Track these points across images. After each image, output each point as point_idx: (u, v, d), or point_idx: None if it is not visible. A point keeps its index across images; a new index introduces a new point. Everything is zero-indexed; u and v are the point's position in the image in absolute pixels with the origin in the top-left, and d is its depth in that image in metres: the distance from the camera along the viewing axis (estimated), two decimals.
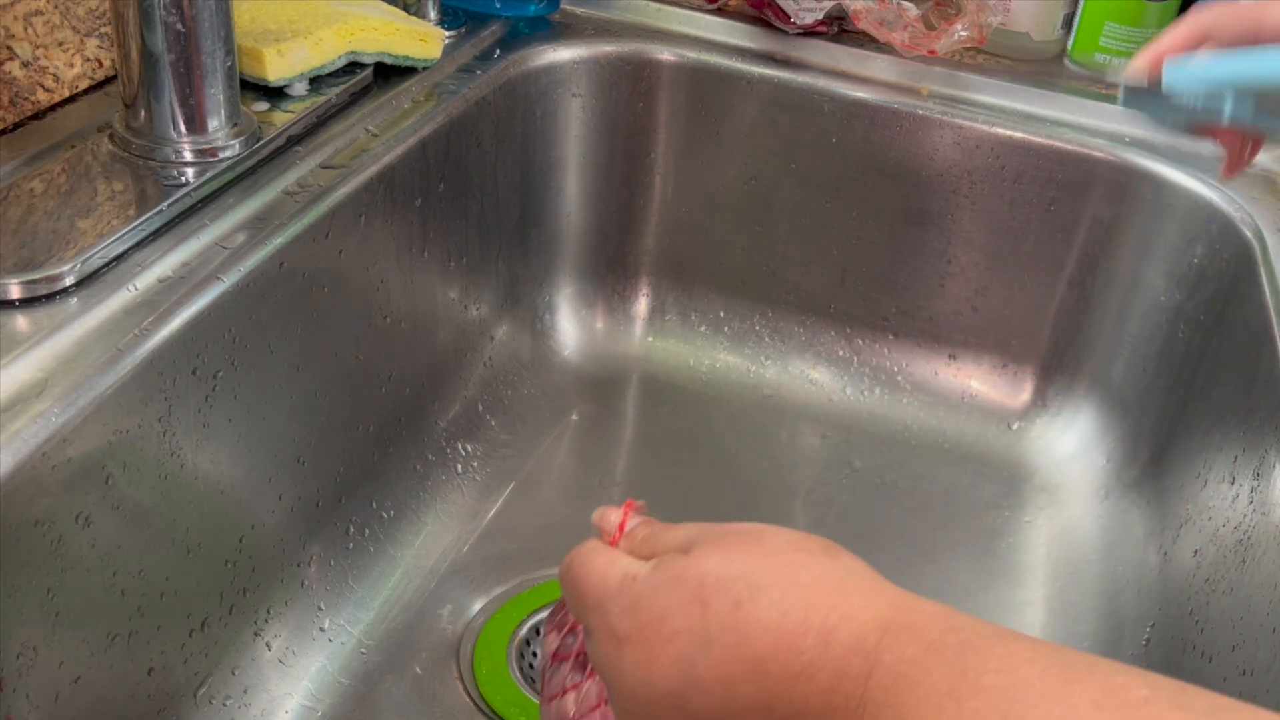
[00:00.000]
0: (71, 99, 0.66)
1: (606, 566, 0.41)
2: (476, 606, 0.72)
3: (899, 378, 0.91)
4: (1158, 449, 0.81)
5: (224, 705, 0.61)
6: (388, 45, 0.74)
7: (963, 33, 0.83)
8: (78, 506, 0.50)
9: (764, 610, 0.36)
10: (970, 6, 0.84)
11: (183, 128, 0.61)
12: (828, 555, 0.38)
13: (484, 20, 0.86)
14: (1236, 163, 0.58)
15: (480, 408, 0.83)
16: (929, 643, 0.34)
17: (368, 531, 0.72)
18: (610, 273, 0.94)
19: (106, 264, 0.55)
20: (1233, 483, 0.67)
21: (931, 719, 0.32)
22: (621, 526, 0.44)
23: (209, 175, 0.61)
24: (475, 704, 0.66)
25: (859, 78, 0.86)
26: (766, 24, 0.89)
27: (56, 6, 0.64)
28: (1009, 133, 0.82)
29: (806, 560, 0.37)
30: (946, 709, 0.32)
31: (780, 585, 0.36)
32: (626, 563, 0.41)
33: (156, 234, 0.58)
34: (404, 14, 0.77)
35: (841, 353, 0.92)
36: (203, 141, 0.61)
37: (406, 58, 0.75)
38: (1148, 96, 0.54)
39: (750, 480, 0.84)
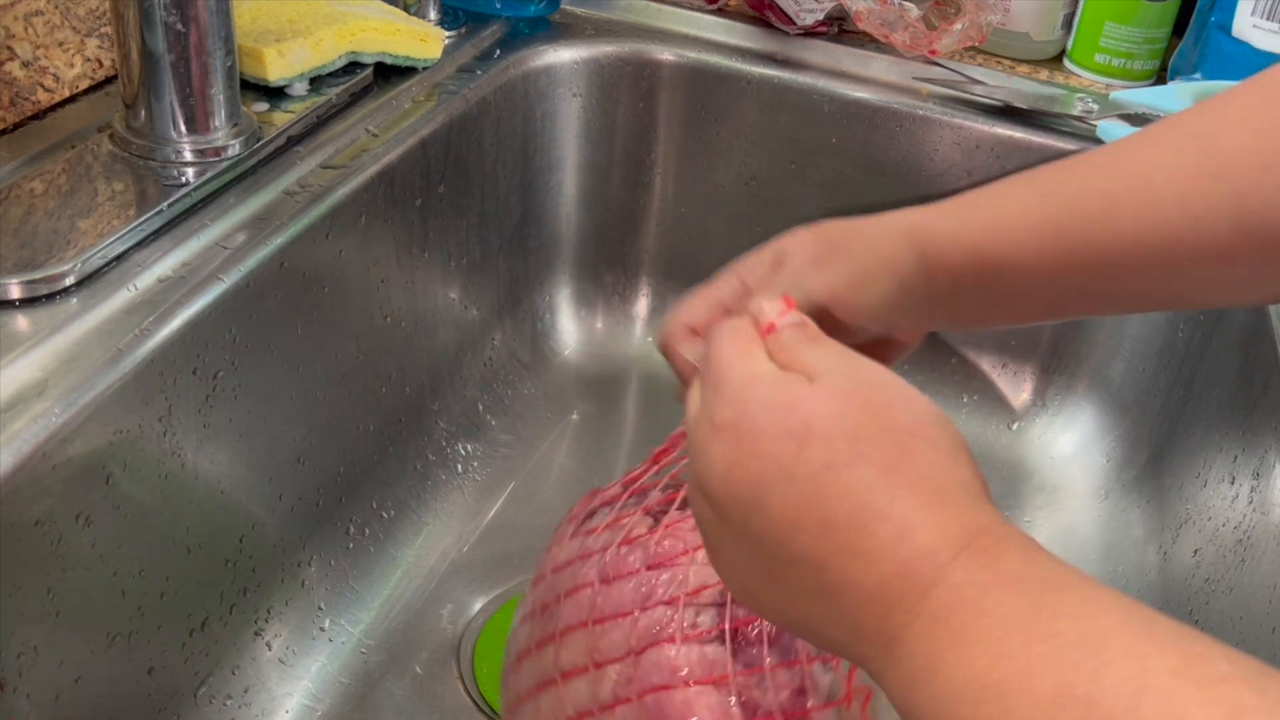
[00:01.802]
0: (72, 99, 0.66)
1: (740, 354, 0.39)
2: (477, 606, 0.72)
3: None
4: (1157, 449, 0.81)
5: (224, 705, 0.61)
6: (388, 45, 0.74)
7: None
8: (78, 506, 0.50)
9: (852, 480, 0.34)
10: (969, 6, 0.85)
11: (183, 128, 0.61)
12: (945, 455, 0.36)
13: (484, 20, 0.86)
14: None
15: (480, 408, 0.83)
16: (1006, 572, 0.32)
17: (368, 531, 0.72)
18: (610, 273, 0.94)
19: (107, 264, 0.55)
20: (1232, 482, 0.67)
21: (994, 650, 0.30)
22: (771, 327, 0.42)
23: (209, 175, 0.61)
24: (475, 704, 0.66)
25: (859, 78, 0.86)
26: (767, 24, 0.89)
27: (57, 7, 0.64)
28: (1009, 133, 0.82)
29: (920, 450, 0.35)
30: (1010, 644, 0.30)
31: (880, 464, 0.35)
32: (759, 360, 0.39)
33: (157, 234, 0.58)
34: (404, 14, 0.77)
35: None
36: (203, 141, 0.61)
37: (407, 58, 0.75)
38: None
39: None
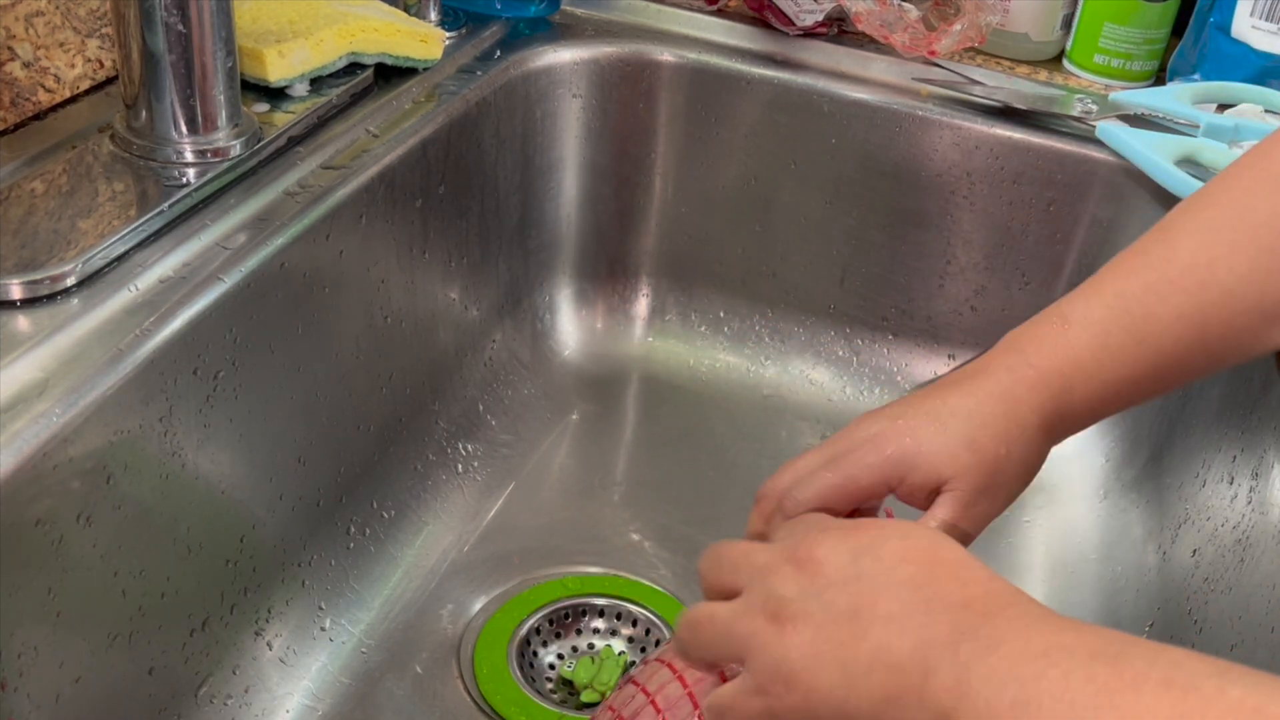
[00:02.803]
0: (72, 99, 0.66)
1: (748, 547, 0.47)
2: (477, 606, 0.72)
3: (898, 378, 0.91)
4: (1156, 449, 0.81)
5: (225, 705, 0.61)
6: (388, 46, 0.74)
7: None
8: (79, 506, 0.50)
9: (958, 551, 0.42)
10: (969, 7, 0.85)
11: (184, 128, 0.61)
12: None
13: (484, 21, 0.86)
14: None
15: (480, 408, 0.83)
16: (1042, 616, 0.39)
17: (368, 531, 0.72)
18: (610, 273, 0.94)
19: (108, 264, 0.55)
20: (1231, 482, 0.68)
21: (1047, 634, 0.37)
22: None
23: (210, 176, 0.61)
24: (476, 703, 0.66)
25: (859, 79, 0.86)
26: (766, 25, 0.89)
27: (58, 7, 0.64)
28: (1008, 133, 0.82)
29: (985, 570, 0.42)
30: (1062, 629, 0.37)
31: (970, 560, 0.42)
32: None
33: (157, 234, 0.58)
34: (404, 15, 0.77)
35: (841, 353, 0.92)
36: (204, 142, 0.61)
37: (407, 58, 0.75)
38: None
39: (750, 480, 0.83)
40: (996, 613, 0.38)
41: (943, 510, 0.50)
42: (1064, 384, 0.53)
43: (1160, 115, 0.81)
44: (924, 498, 0.51)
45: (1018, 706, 0.35)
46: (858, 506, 0.52)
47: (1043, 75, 0.89)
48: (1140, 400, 0.55)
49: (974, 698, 0.36)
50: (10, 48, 0.62)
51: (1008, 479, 0.52)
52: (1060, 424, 0.54)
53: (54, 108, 0.66)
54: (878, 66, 0.87)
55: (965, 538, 0.51)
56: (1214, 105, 0.83)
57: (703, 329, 0.94)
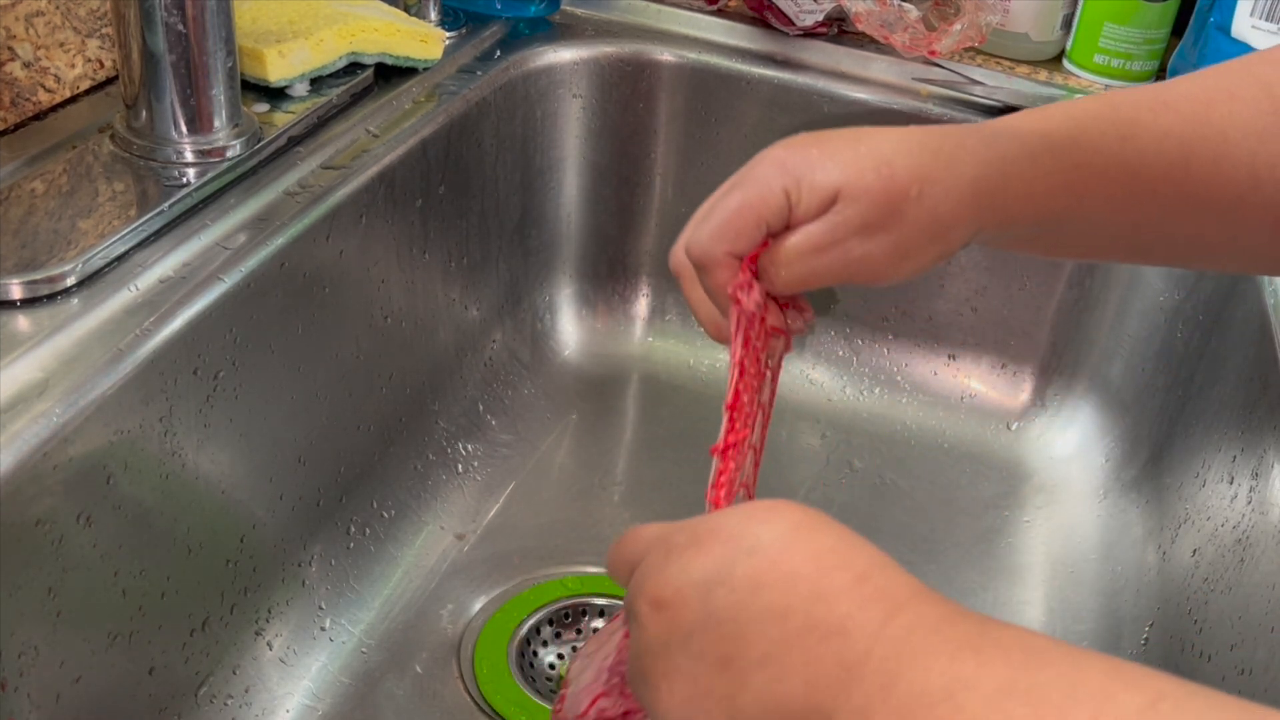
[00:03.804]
0: (73, 99, 0.66)
1: (660, 526, 0.42)
2: (477, 606, 0.72)
3: (898, 378, 0.91)
4: (1156, 448, 0.81)
5: (225, 704, 0.61)
6: (388, 46, 0.74)
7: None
8: (79, 506, 0.50)
9: (818, 541, 0.37)
10: (969, 7, 0.85)
11: (184, 128, 0.61)
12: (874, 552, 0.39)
13: (484, 21, 0.86)
14: None
15: (480, 408, 0.83)
16: (954, 610, 0.35)
17: (369, 531, 0.72)
18: (610, 273, 0.94)
19: (108, 264, 0.55)
20: (1231, 482, 0.68)
21: (944, 659, 0.33)
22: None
23: (210, 176, 0.61)
24: (476, 703, 0.66)
25: (859, 79, 0.86)
26: (766, 25, 0.89)
27: (58, 7, 0.64)
28: None
29: (869, 546, 0.38)
30: (962, 653, 0.33)
31: (838, 534, 0.38)
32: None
33: (157, 234, 0.58)
34: (404, 15, 0.77)
35: (841, 353, 0.92)
36: (204, 142, 0.62)
37: (407, 58, 0.75)
38: None
39: None
40: (879, 633, 0.35)
41: (819, 226, 0.44)
42: (1021, 149, 0.46)
43: None
44: (816, 214, 0.45)
45: None
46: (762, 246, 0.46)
47: (1043, 75, 0.89)
48: (1100, 226, 0.48)
49: None
50: (10, 48, 0.62)
51: (913, 227, 0.45)
52: (999, 199, 0.46)
53: (54, 108, 0.66)
54: (878, 66, 0.87)
55: (849, 276, 0.45)
56: None
57: (703, 329, 0.94)
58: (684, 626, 0.38)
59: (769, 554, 0.37)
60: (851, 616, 0.35)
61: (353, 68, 0.73)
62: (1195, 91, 0.49)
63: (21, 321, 0.51)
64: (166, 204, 0.58)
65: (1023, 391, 0.89)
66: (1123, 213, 0.48)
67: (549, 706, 0.66)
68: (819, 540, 0.37)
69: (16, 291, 0.52)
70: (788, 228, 0.46)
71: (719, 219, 0.46)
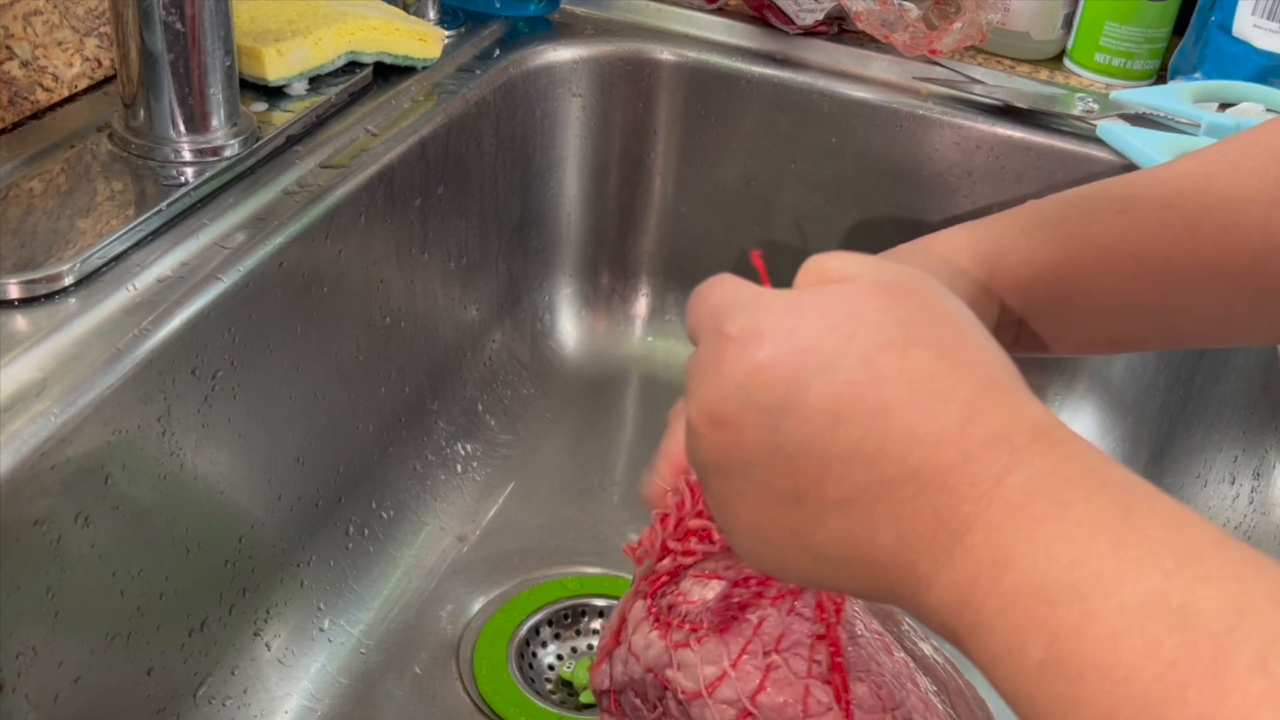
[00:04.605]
0: (71, 99, 0.66)
1: (736, 283, 0.35)
2: (476, 606, 0.72)
3: None
4: (1157, 449, 0.81)
5: (223, 705, 0.61)
6: (387, 45, 0.74)
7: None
8: (77, 506, 0.50)
9: (912, 362, 0.31)
10: (969, 6, 0.84)
11: (182, 127, 0.61)
12: (995, 347, 0.33)
13: (483, 20, 0.86)
14: None
15: (480, 407, 0.83)
16: (1089, 468, 0.29)
17: (367, 531, 0.72)
18: (610, 273, 0.94)
19: (106, 264, 0.55)
20: (1233, 483, 0.67)
21: (1078, 546, 0.27)
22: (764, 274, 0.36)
23: (208, 175, 0.61)
24: (475, 704, 0.66)
25: (859, 78, 0.86)
26: (766, 24, 0.89)
27: (56, 6, 0.64)
28: (1009, 133, 0.82)
29: (974, 339, 0.32)
30: (1097, 542, 0.27)
31: (938, 348, 0.31)
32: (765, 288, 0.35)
33: (156, 234, 0.58)
34: (403, 13, 0.77)
35: None
36: (202, 141, 0.61)
37: (406, 57, 0.75)
38: None
39: None
40: (991, 494, 0.29)
41: None
42: (1011, 224, 0.46)
43: (1161, 114, 0.81)
44: None
45: (1048, 666, 0.26)
46: None
47: (1044, 74, 0.89)
48: (1116, 300, 0.47)
49: (994, 643, 0.28)
50: (8, 47, 0.62)
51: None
52: (999, 263, 0.45)
53: (52, 107, 0.65)
54: (878, 65, 0.86)
55: None
56: (1215, 104, 0.83)
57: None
58: (744, 453, 0.32)
59: (851, 377, 0.31)
60: (956, 470, 0.29)
61: (351, 67, 0.72)
62: (1194, 166, 0.48)
63: (20, 321, 0.51)
64: (165, 203, 0.58)
65: None
66: (1135, 286, 0.47)
67: (548, 708, 0.66)
68: (914, 358, 0.31)
69: (14, 291, 0.52)
70: None
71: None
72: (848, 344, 0.31)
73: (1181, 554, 0.26)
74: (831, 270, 0.35)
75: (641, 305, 0.94)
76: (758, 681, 0.40)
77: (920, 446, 0.30)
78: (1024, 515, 0.28)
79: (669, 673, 0.42)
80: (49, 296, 0.53)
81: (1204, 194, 0.47)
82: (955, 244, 0.47)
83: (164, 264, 0.56)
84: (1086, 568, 0.27)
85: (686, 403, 0.34)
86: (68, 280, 0.53)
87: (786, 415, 0.31)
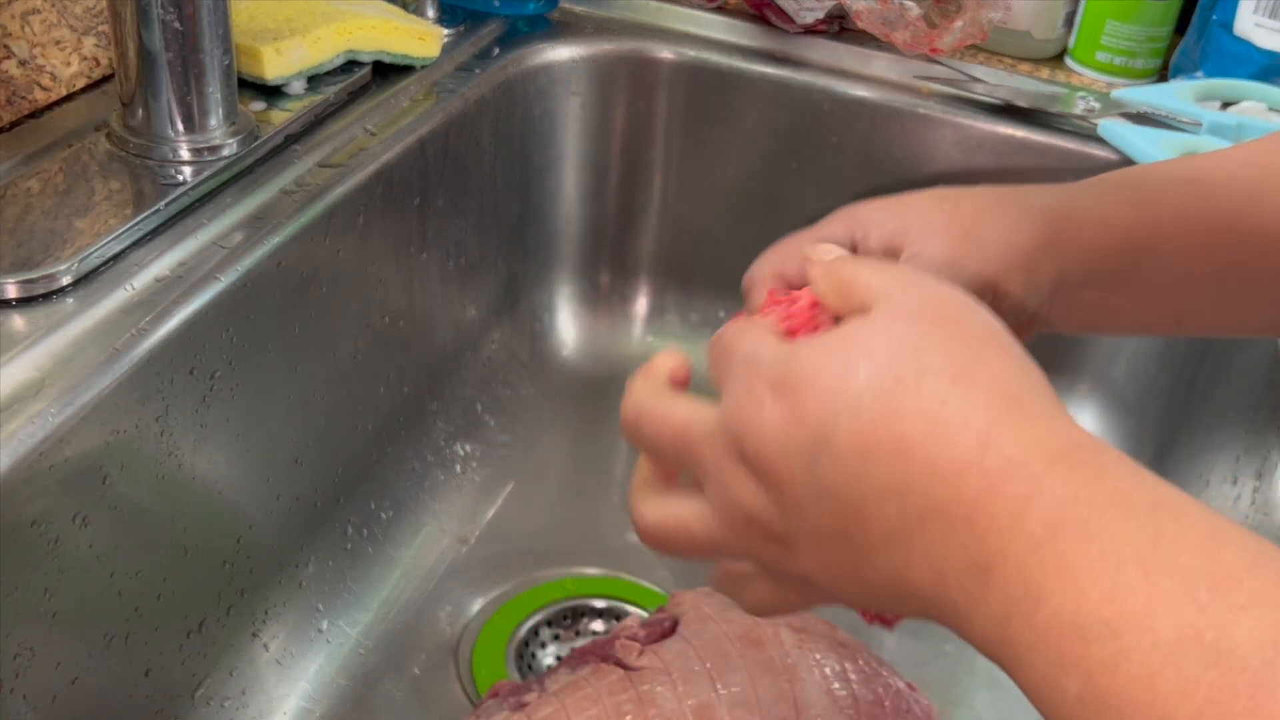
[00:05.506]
0: (69, 98, 0.66)
1: (761, 334, 0.36)
2: (475, 607, 0.72)
3: None
4: (1159, 449, 0.80)
5: (222, 706, 0.61)
6: (386, 44, 0.74)
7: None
8: (75, 507, 0.49)
9: (926, 392, 0.31)
10: (970, 4, 0.84)
11: (180, 126, 0.61)
12: (1018, 362, 0.33)
13: (482, 18, 0.85)
14: None
15: (479, 408, 0.83)
16: (1113, 490, 0.29)
17: (366, 532, 0.72)
18: (610, 273, 0.93)
19: (104, 263, 0.55)
20: (1235, 483, 0.67)
21: (1107, 580, 0.27)
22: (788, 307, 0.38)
23: (206, 174, 0.61)
24: (474, 705, 0.66)
25: (859, 76, 0.86)
26: (766, 22, 0.89)
27: (54, 5, 0.63)
28: (1010, 131, 0.82)
29: (994, 356, 0.33)
30: (1126, 575, 0.27)
31: (951, 374, 0.32)
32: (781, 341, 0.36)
33: (154, 233, 0.58)
34: (402, 12, 0.77)
35: None
36: (200, 140, 0.61)
37: (405, 56, 0.75)
38: None
39: None
40: (1015, 528, 0.29)
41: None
42: (1087, 187, 0.46)
43: (1163, 113, 0.81)
44: (880, 251, 0.44)
45: (1085, 703, 0.26)
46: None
47: (1045, 73, 0.89)
48: (1186, 270, 0.46)
49: (1035, 678, 0.28)
50: (6, 45, 0.62)
51: (991, 252, 0.44)
52: (1070, 227, 0.44)
53: (50, 106, 0.65)
54: (879, 64, 0.86)
55: None
56: (1217, 103, 0.82)
57: (703, 329, 0.94)
58: (791, 500, 0.33)
59: (871, 416, 0.31)
60: (978, 503, 0.29)
61: (350, 65, 0.72)
62: (1256, 146, 0.49)
63: (17, 321, 0.51)
64: (163, 203, 0.58)
65: None
66: (1204, 257, 0.46)
67: None
68: (928, 387, 0.31)
69: (12, 290, 0.52)
70: None
71: (779, 251, 0.46)
72: (866, 382, 0.32)
73: (1215, 582, 0.26)
74: (858, 289, 0.35)
75: (641, 305, 0.94)
76: None
77: (940, 479, 0.30)
78: (1048, 550, 0.28)
79: None
80: (46, 296, 0.52)
81: (1265, 166, 0.47)
82: (1032, 190, 0.47)
83: (162, 264, 0.56)
84: (1118, 603, 0.27)
85: (720, 448, 0.35)
86: (65, 280, 0.53)
87: (822, 454, 0.32)
